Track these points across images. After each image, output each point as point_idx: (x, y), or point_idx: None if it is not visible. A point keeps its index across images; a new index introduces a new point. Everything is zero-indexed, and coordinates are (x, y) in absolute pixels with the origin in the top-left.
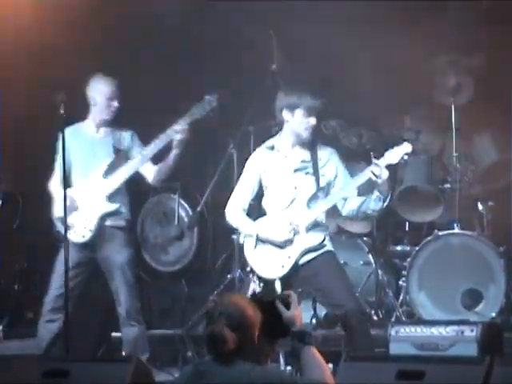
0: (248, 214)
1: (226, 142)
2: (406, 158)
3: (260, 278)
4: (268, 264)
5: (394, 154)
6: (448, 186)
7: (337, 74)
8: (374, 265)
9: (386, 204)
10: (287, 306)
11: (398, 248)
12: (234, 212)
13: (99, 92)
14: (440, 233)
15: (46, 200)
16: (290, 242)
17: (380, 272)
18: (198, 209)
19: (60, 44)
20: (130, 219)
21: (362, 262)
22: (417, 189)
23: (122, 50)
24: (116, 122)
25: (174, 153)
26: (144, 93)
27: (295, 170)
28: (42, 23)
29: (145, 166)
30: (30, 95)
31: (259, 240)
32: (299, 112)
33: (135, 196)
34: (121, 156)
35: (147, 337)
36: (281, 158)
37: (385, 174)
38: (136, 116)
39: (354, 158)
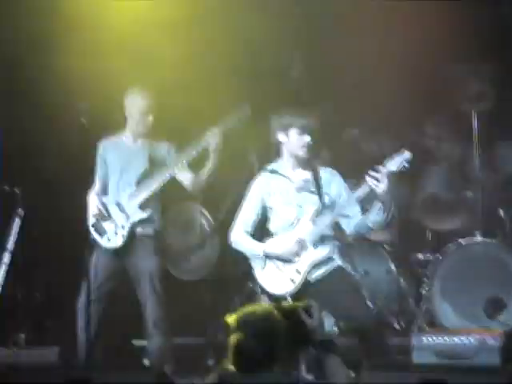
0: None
1: (248, 150)
2: (406, 165)
3: (270, 297)
4: (278, 280)
5: (394, 162)
6: (469, 193)
7: (358, 82)
8: (395, 273)
9: (389, 216)
10: (310, 315)
11: (420, 256)
12: (239, 236)
13: (134, 106)
14: (462, 241)
15: (68, 207)
16: (297, 255)
17: (402, 280)
18: (220, 217)
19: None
20: (159, 229)
21: (383, 271)
22: (438, 197)
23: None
24: (153, 133)
25: (208, 163)
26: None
27: (298, 190)
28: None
29: (183, 174)
30: (50, 107)
31: (267, 258)
32: (293, 132)
33: None
34: (155, 165)
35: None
36: (283, 180)
37: (384, 182)
38: (171, 126)
39: (375, 165)
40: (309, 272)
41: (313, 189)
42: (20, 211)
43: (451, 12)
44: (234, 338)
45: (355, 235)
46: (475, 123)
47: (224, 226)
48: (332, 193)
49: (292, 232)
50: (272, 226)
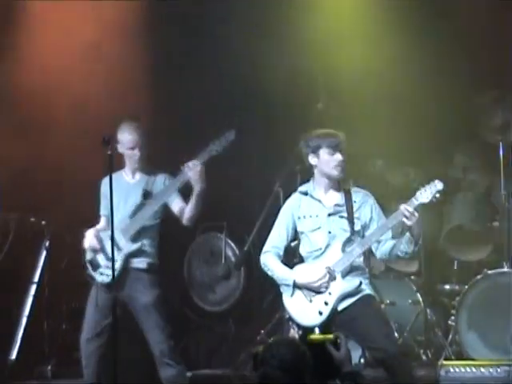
0: (283, 261)
1: (273, 180)
2: (437, 196)
3: (299, 326)
4: (306, 311)
5: (426, 193)
6: (496, 224)
7: (383, 113)
8: (422, 304)
9: (417, 247)
10: (337, 348)
11: (447, 287)
12: (269, 259)
13: (121, 142)
14: (489, 272)
15: None
16: (326, 287)
17: (429, 311)
18: (245, 248)
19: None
20: (154, 261)
21: (410, 301)
22: (465, 227)
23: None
24: (153, 164)
25: (194, 191)
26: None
27: (329, 215)
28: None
29: (176, 205)
30: (73, 135)
31: (296, 287)
32: (323, 152)
33: (182, 235)
34: (149, 198)
35: (190, 377)
36: (315, 203)
37: (415, 215)
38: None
39: (401, 197)
40: (337, 303)
41: (344, 214)
42: (46, 243)
43: (475, 43)
44: (263, 371)
45: (385, 259)
46: (501, 153)
47: (249, 256)
48: (364, 217)
49: (321, 260)
50: (302, 250)
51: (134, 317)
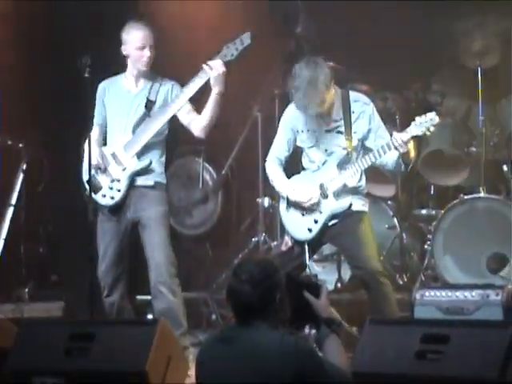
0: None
1: (251, 104)
2: (432, 129)
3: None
4: (297, 226)
5: (421, 126)
6: (473, 149)
7: (362, 37)
8: (398, 229)
9: (408, 170)
10: (317, 294)
11: (423, 212)
12: (272, 168)
13: (129, 42)
14: (465, 196)
15: (72, 162)
16: (317, 205)
17: (405, 236)
18: (223, 172)
19: None
20: (161, 180)
21: (386, 226)
22: (442, 152)
23: None
24: (158, 72)
25: (213, 92)
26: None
27: (326, 131)
28: None
29: (186, 114)
30: (55, 57)
31: (289, 203)
32: None
33: None
34: (153, 109)
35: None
36: (312, 118)
37: (408, 145)
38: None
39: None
40: (327, 221)
41: (341, 129)
42: (23, 166)
43: None
44: (230, 282)
45: (380, 167)
46: (480, 79)
47: (227, 180)
48: (361, 130)
49: (317, 176)
50: (303, 162)
51: (141, 237)
